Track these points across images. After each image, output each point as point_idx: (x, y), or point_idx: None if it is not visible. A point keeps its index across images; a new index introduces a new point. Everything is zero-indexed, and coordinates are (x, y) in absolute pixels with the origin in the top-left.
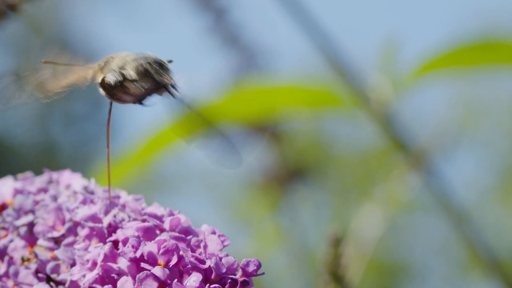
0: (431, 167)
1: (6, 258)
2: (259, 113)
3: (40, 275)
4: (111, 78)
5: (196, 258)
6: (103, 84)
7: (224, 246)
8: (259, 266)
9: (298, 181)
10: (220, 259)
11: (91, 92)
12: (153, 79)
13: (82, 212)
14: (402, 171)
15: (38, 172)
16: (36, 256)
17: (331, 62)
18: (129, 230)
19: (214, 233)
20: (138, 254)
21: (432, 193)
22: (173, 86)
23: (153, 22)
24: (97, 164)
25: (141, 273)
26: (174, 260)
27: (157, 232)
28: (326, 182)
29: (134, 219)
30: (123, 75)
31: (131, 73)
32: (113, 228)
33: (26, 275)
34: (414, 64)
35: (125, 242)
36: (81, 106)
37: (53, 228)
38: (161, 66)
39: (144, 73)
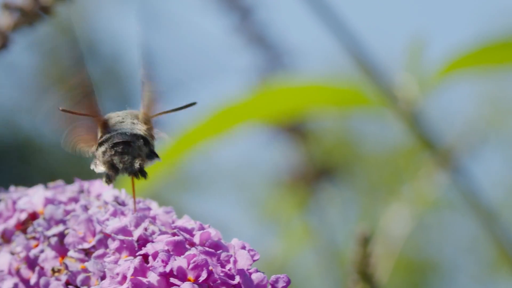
0: (459, 165)
1: (37, 269)
2: (286, 112)
3: (70, 286)
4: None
5: (226, 274)
6: None
7: (254, 261)
8: (288, 282)
9: (326, 180)
10: (250, 274)
11: (120, 91)
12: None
13: (113, 224)
14: (429, 169)
15: (67, 171)
16: (66, 267)
17: (358, 61)
18: (159, 244)
19: (244, 247)
20: (167, 269)
21: (460, 192)
22: (138, 171)
23: (179, 22)
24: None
25: None
26: (204, 275)
27: (187, 246)
28: (354, 181)
29: (165, 233)
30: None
31: (101, 168)
32: (143, 241)
33: (56, 286)
34: (441, 63)
35: (155, 256)
36: (111, 105)
37: (83, 239)
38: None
39: (111, 165)
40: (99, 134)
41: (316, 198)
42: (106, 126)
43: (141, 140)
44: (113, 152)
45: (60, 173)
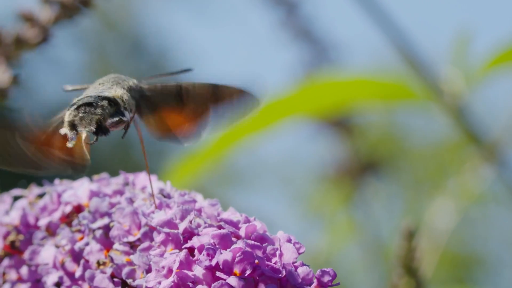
0: (504, 159)
1: (82, 262)
2: (332, 106)
3: (115, 279)
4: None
5: (271, 268)
6: None
7: (299, 254)
8: (334, 276)
9: (371, 175)
10: (296, 268)
11: None
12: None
13: (158, 217)
14: (475, 163)
15: (113, 166)
16: (112, 260)
17: (403, 55)
18: (205, 237)
19: (289, 240)
20: (213, 263)
21: (505, 185)
22: (96, 128)
23: (225, 17)
24: (172, 159)
25: (216, 283)
26: (250, 269)
27: (233, 239)
28: (399, 175)
29: (210, 225)
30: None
31: (63, 130)
32: (189, 234)
33: (101, 279)
34: (486, 57)
35: (200, 249)
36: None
37: (128, 232)
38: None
39: (71, 124)
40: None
41: (361, 193)
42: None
43: (105, 101)
44: (75, 113)
45: (105, 167)
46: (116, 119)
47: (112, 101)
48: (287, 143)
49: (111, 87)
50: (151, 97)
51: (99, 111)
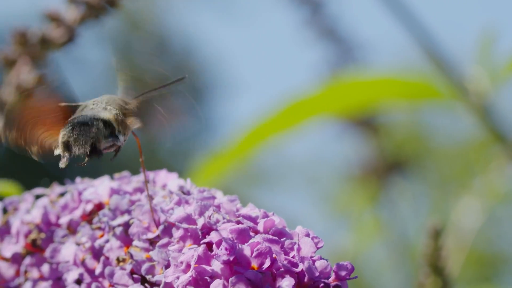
0: None
1: (102, 259)
2: (357, 106)
3: (135, 276)
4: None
5: (289, 262)
6: None
7: (318, 248)
8: (351, 270)
9: (397, 174)
10: (314, 262)
11: (189, 87)
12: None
13: (177, 213)
14: (500, 162)
15: (137, 167)
16: (131, 256)
17: (428, 54)
18: (223, 232)
19: (308, 235)
20: (231, 257)
21: None
22: (90, 151)
23: (249, 16)
24: (196, 160)
25: (234, 277)
26: (267, 263)
27: (251, 234)
28: (425, 175)
29: (229, 221)
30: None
31: (57, 150)
32: (207, 229)
33: (121, 275)
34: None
35: (218, 244)
36: (181, 100)
37: (148, 229)
38: (88, 129)
39: (66, 146)
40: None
41: (387, 192)
42: (73, 114)
43: (101, 123)
44: (70, 134)
45: (130, 168)
46: (111, 142)
47: (107, 122)
48: (313, 142)
49: (106, 107)
50: (139, 113)
51: (94, 132)
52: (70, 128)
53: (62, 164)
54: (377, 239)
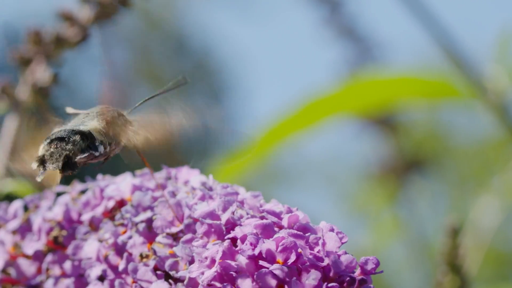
0: None
1: (125, 255)
2: (376, 104)
3: (158, 272)
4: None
5: (315, 256)
6: None
7: (342, 243)
8: (377, 264)
9: (416, 173)
10: (339, 256)
11: (210, 85)
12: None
13: (201, 209)
14: None
15: (156, 166)
16: (154, 252)
17: (447, 53)
18: (247, 227)
19: (332, 230)
20: (256, 252)
21: None
22: (63, 166)
23: (268, 15)
24: (216, 159)
25: (259, 271)
26: (293, 258)
27: (275, 229)
28: (444, 173)
29: (253, 216)
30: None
31: (33, 165)
32: (231, 225)
33: (144, 272)
34: None
35: (243, 239)
36: (198, 100)
37: (171, 224)
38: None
39: (40, 160)
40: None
41: (406, 191)
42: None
43: (78, 136)
44: (47, 148)
45: (152, 165)
46: (86, 154)
47: (86, 135)
48: (331, 141)
49: (93, 119)
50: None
51: (69, 146)
52: (47, 142)
53: (39, 179)
54: (395, 237)
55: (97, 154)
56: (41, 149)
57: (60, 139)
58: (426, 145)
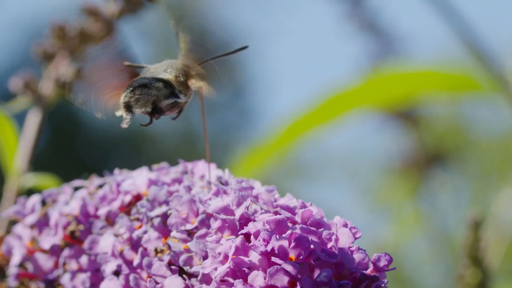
0: None
1: (140, 250)
2: (398, 98)
3: (173, 267)
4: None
5: (327, 253)
6: None
7: (356, 239)
8: (390, 261)
9: (437, 166)
10: (352, 253)
11: (231, 80)
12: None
13: (215, 204)
14: None
15: (177, 161)
16: (169, 248)
17: (469, 47)
18: (261, 222)
19: (346, 225)
20: (269, 248)
21: None
22: (151, 110)
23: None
24: (236, 152)
25: (271, 268)
26: (305, 254)
27: (289, 224)
28: (465, 167)
29: (267, 211)
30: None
31: (119, 112)
32: (245, 220)
33: (159, 266)
34: None
35: (256, 235)
36: (221, 94)
37: (186, 220)
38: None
39: (127, 106)
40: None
41: (428, 184)
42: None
43: (160, 83)
44: (131, 95)
45: (170, 161)
46: (172, 100)
47: (167, 83)
48: (353, 135)
49: (166, 70)
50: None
51: (154, 92)
52: (131, 89)
53: (125, 124)
54: (417, 231)
55: (180, 101)
56: (124, 96)
57: (144, 85)
58: (447, 138)
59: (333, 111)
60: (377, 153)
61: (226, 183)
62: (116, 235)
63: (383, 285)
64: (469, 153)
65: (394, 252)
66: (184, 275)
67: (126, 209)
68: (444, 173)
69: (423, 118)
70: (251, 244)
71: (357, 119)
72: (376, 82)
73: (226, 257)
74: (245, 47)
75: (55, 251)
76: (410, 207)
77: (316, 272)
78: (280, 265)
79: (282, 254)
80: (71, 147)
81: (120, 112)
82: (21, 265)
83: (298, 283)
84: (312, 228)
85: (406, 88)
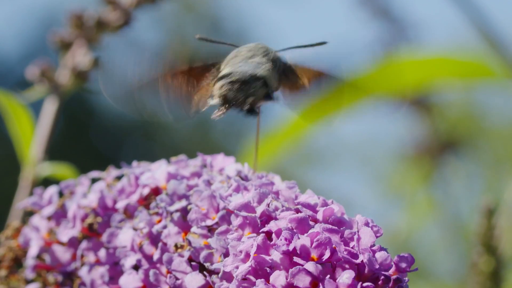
0: None
1: (160, 245)
2: (411, 85)
3: (193, 263)
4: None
5: (349, 253)
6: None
7: (377, 237)
8: (412, 262)
9: (451, 153)
10: (374, 253)
11: None
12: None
13: (235, 200)
14: None
15: (191, 148)
16: (189, 243)
17: (482, 34)
18: (282, 221)
19: (367, 224)
20: (291, 248)
21: None
22: (248, 110)
23: None
24: (249, 140)
25: (293, 268)
26: (327, 254)
27: (311, 223)
28: (478, 154)
29: (288, 209)
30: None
31: (215, 100)
32: (266, 217)
33: (179, 263)
34: None
35: (278, 233)
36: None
37: (206, 216)
38: (250, 83)
39: (225, 99)
40: (222, 68)
41: (441, 172)
42: (228, 62)
43: (260, 81)
44: (229, 87)
45: (184, 150)
46: (266, 102)
47: (264, 82)
48: (366, 122)
49: (262, 63)
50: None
51: (252, 91)
52: (229, 81)
53: (217, 116)
54: (430, 218)
55: (273, 101)
56: (221, 87)
57: (244, 82)
58: (461, 125)
59: (346, 97)
60: (390, 140)
61: (245, 178)
62: (135, 229)
63: (404, 284)
64: (482, 140)
65: (407, 239)
66: (204, 272)
67: (145, 202)
68: (457, 160)
69: (436, 105)
70: (272, 242)
71: (370, 106)
72: (389, 69)
73: (247, 255)
74: (323, 43)
75: (73, 243)
76: (423, 194)
77: (338, 273)
78: (302, 265)
79: (304, 254)
80: (85, 136)
81: (214, 102)
82: (39, 256)
83: (320, 284)
84: (334, 227)
85: (419, 75)
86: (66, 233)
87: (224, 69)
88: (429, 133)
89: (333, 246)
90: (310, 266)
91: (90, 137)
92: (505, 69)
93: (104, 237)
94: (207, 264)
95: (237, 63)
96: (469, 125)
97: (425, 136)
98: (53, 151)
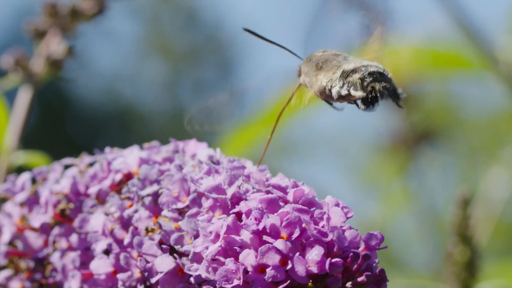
0: None
1: (131, 229)
2: None
3: (163, 246)
4: (337, 91)
5: (319, 231)
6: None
7: (347, 218)
8: (381, 239)
9: (426, 144)
10: (343, 231)
11: (219, 59)
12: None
13: (206, 183)
14: None
15: (166, 139)
16: (160, 226)
17: (459, 24)
18: (253, 201)
19: (337, 205)
20: (260, 227)
21: None
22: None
23: None
24: (225, 130)
25: (263, 246)
26: (297, 233)
27: (281, 203)
28: (454, 145)
29: (258, 191)
30: (349, 91)
31: (358, 93)
32: (236, 199)
33: (150, 246)
34: None
35: (248, 214)
36: (210, 73)
37: (177, 199)
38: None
39: (370, 92)
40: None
41: (416, 163)
42: (325, 63)
43: (390, 74)
44: (372, 78)
45: (160, 140)
46: (402, 95)
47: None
48: (341, 113)
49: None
50: None
51: (394, 83)
52: (369, 73)
53: (369, 108)
54: (405, 209)
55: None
56: (364, 79)
57: (381, 73)
58: (437, 116)
59: None
60: (365, 131)
61: (217, 162)
62: (107, 214)
63: (374, 264)
64: (458, 131)
65: (382, 230)
66: (175, 254)
67: (117, 187)
68: (433, 151)
69: (412, 96)
70: (242, 223)
71: None
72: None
73: (217, 236)
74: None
75: (45, 229)
76: (398, 185)
77: (308, 251)
78: (271, 243)
79: (274, 233)
80: (60, 125)
81: (360, 94)
82: (11, 243)
83: (289, 262)
84: (304, 207)
85: (395, 65)
86: (38, 218)
87: (342, 66)
88: (405, 124)
89: (303, 225)
90: (279, 244)
91: (65, 127)
92: (482, 60)
93: (76, 223)
94: (177, 247)
95: (350, 61)
96: (445, 116)
97: (400, 127)
98: (28, 140)
